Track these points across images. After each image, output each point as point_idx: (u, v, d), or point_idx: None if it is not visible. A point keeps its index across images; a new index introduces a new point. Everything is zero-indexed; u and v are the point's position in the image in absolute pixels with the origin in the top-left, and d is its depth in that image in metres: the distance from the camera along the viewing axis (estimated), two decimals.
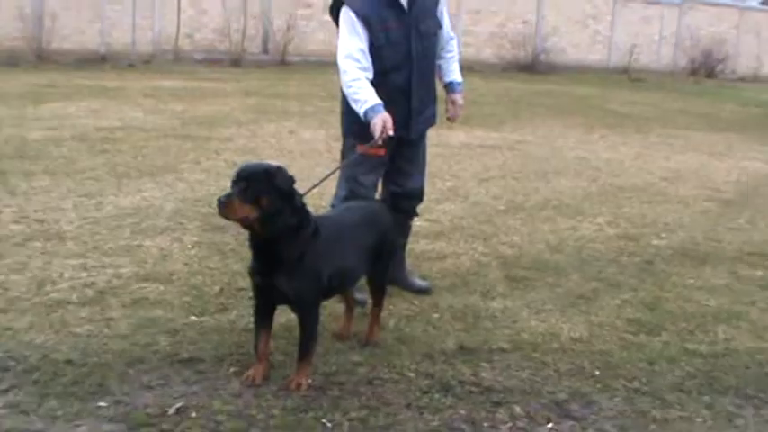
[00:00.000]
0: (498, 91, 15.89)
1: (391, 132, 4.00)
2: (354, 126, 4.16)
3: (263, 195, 3.23)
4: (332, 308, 4.26)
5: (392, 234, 4.00)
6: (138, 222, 5.72)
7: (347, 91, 4.13)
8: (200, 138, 9.03)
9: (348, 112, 4.22)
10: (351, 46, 4.14)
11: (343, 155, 4.46)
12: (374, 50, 4.17)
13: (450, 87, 4.64)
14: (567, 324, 4.37)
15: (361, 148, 4.23)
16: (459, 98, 4.65)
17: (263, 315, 3.52)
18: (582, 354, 4.01)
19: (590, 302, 4.72)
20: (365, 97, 4.04)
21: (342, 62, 4.13)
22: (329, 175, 4.05)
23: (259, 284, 3.47)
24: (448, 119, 4.69)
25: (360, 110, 4.06)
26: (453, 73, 4.64)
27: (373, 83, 4.12)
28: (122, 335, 3.88)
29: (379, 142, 4.01)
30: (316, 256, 3.40)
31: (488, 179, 7.96)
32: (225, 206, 3.20)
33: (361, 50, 4.13)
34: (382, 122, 3.98)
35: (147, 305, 4.26)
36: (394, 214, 4.14)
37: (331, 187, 4.54)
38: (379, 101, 4.03)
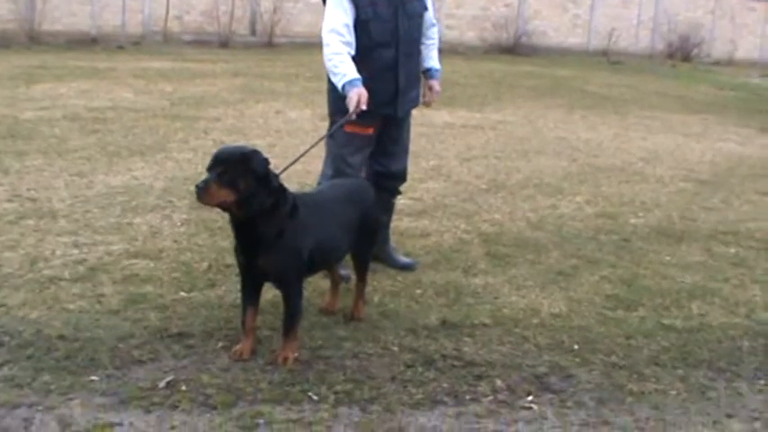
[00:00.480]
0: (481, 72, 15.85)
1: (364, 107, 3.96)
2: (341, 104, 4.11)
3: (239, 179, 3.23)
4: (317, 284, 4.26)
5: (375, 211, 3.99)
6: (129, 200, 5.69)
7: (328, 64, 4.09)
8: (189, 117, 8.97)
9: (334, 90, 4.18)
10: (336, 20, 4.10)
11: (330, 134, 4.41)
12: (361, 24, 4.14)
13: (428, 73, 4.62)
14: (546, 300, 4.38)
15: (349, 128, 4.20)
16: (436, 84, 4.63)
17: (250, 291, 3.52)
18: (561, 329, 4.03)
19: (569, 279, 4.74)
20: (344, 71, 4.01)
21: (325, 35, 4.10)
22: (305, 152, 4.00)
23: (242, 263, 3.47)
24: (424, 104, 4.68)
25: (338, 83, 4.03)
26: (432, 60, 4.62)
27: (360, 58, 4.09)
28: (113, 310, 3.87)
29: (353, 117, 3.98)
30: (294, 233, 3.41)
31: (471, 158, 7.95)
32: (203, 192, 3.21)
33: (346, 25, 4.10)
34: (357, 96, 3.95)
35: (138, 281, 4.25)
36: (377, 192, 4.12)
37: (317, 165, 4.52)
38: (357, 75, 4.00)
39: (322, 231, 3.56)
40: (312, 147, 4.08)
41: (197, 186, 3.22)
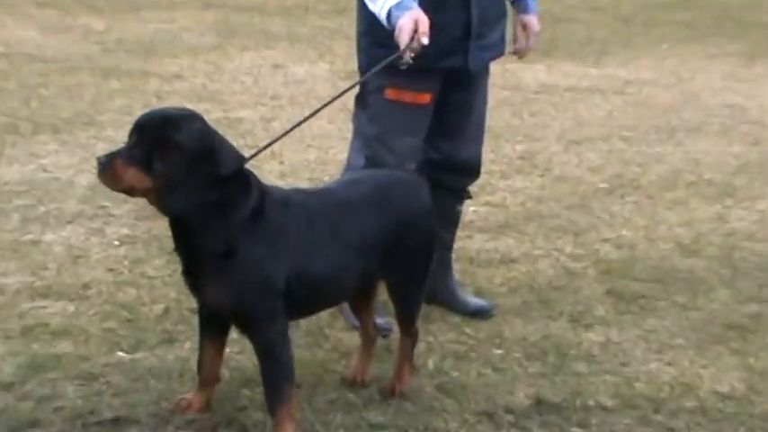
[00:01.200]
0: (598, 1, 15.83)
1: (425, 40, 3.90)
2: (381, 53, 4.08)
3: (155, 156, 3.27)
4: (337, 338, 4.28)
5: (425, 221, 3.97)
6: (34, 205, 5.77)
7: None
8: (133, 73, 9.04)
9: (368, 32, 4.22)
10: None
11: (361, 101, 4.42)
12: None
13: (520, 5, 4.62)
14: (708, 369, 4.36)
15: (392, 93, 4.21)
16: (534, 21, 4.61)
17: (209, 325, 3.66)
18: (735, 417, 4.00)
19: (747, 336, 4.70)
20: None
21: None
22: (302, 122, 3.91)
23: (188, 285, 3.57)
24: (514, 52, 4.67)
25: (380, 10, 3.99)
26: None
27: None
28: (5, 383, 3.89)
29: (408, 57, 3.96)
30: (258, 246, 3.43)
31: (582, 140, 7.95)
32: (105, 170, 3.28)
33: None
34: (413, 24, 3.88)
35: (47, 335, 4.28)
36: (434, 193, 4.12)
37: (341, 150, 4.51)
38: None
39: (309, 249, 3.56)
40: (319, 110, 4.00)
41: (98, 161, 3.29)
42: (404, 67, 3.93)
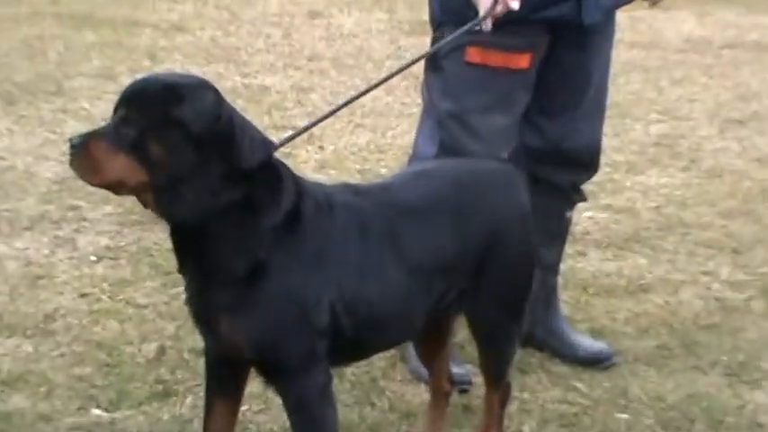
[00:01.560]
0: None
1: (515, 4, 3.93)
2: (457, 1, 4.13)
3: (151, 139, 3.24)
4: (397, 393, 4.30)
5: (522, 231, 3.96)
6: None
7: None
8: (116, 23, 9.11)
9: None
10: None
11: (433, 65, 4.42)
12: None
13: None
14: None
15: (475, 54, 4.21)
16: None
17: (221, 373, 3.64)
18: None
19: None
20: None
21: None
22: (354, 99, 3.97)
23: (195, 317, 3.53)
24: None
25: None
26: None
27: None
28: None
29: (489, 25, 3.96)
30: (293, 264, 3.42)
31: (746, 120, 7.93)
32: (80, 154, 3.25)
33: None
34: None
35: None
36: (533, 192, 4.12)
37: (403, 129, 4.50)
38: None
39: (360, 268, 3.56)
40: (379, 84, 4.03)
41: (70, 144, 3.24)
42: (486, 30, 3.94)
